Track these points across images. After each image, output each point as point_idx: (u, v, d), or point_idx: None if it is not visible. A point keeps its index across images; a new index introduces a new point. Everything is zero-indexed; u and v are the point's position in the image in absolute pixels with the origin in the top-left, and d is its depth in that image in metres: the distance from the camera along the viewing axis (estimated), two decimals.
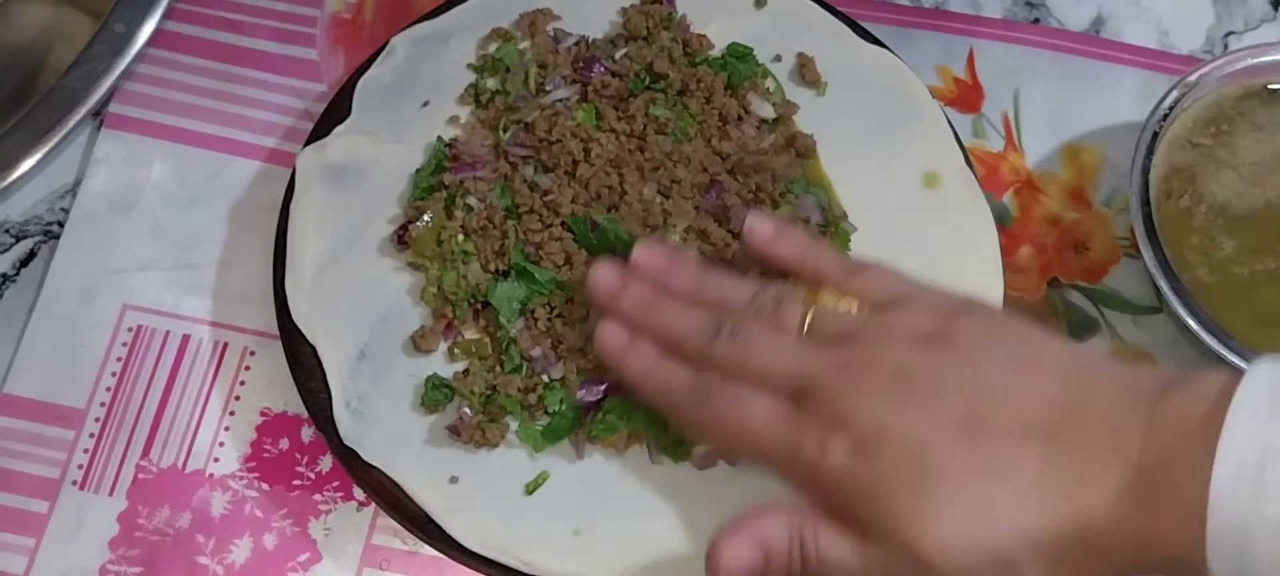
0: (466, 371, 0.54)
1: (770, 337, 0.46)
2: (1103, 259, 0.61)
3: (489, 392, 0.53)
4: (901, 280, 0.48)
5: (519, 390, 0.53)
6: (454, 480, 0.53)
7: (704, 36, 0.61)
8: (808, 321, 0.46)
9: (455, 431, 0.52)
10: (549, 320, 0.54)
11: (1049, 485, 0.39)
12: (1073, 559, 0.39)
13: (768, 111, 0.59)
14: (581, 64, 0.60)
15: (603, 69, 0.59)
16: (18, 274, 0.61)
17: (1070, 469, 0.39)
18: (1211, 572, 0.36)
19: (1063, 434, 0.40)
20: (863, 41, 0.62)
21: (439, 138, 0.59)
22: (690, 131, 0.58)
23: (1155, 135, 0.57)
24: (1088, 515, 0.38)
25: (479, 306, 0.55)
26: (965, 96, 0.65)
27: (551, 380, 0.53)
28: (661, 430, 0.52)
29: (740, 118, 0.59)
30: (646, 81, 0.59)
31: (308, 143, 0.59)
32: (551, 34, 0.61)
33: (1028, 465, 0.40)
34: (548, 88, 0.59)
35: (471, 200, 0.56)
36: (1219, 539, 0.35)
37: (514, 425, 0.53)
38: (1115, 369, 0.42)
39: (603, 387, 0.52)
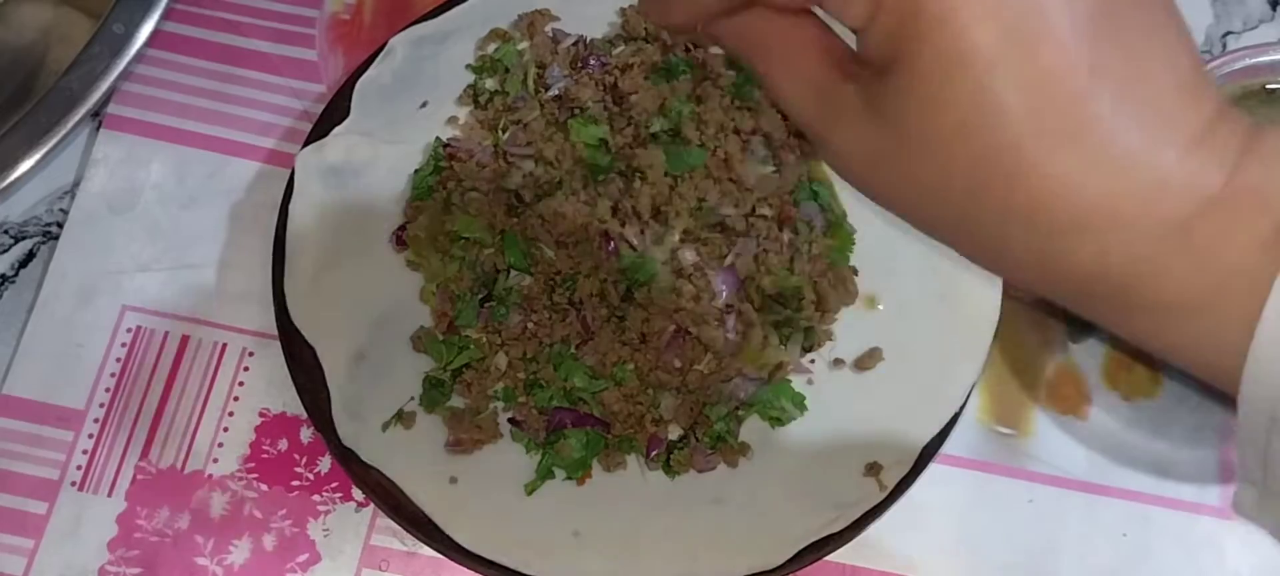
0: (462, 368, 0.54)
1: None
2: None
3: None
4: None
5: (511, 380, 0.54)
6: (453, 481, 0.53)
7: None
8: None
9: (457, 444, 0.53)
10: (549, 310, 0.54)
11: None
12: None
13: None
14: (579, 64, 0.60)
15: (597, 64, 0.59)
16: (16, 275, 0.61)
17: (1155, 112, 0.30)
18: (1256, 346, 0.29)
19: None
20: None
21: (437, 138, 0.59)
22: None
23: None
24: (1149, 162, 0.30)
25: (483, 299, 0.55)
26: None
27: (541, 381, 0.54)
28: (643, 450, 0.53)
29: (753, 131, 0.59)
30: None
31: (306, 143, 0.59)
32: (550, 34, 0.61)
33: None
34: (548, 83, 0.59)
35: (472, 194, 0.56)
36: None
37: (505, 419, 0.53)
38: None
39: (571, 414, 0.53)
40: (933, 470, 0.54)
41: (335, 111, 0.60)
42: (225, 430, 0.57)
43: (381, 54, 0.61)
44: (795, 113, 0.34)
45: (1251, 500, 0.33)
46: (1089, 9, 0.29)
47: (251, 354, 0.59)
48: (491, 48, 0.61)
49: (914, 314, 0.56)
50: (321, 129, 0.59)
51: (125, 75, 0.61)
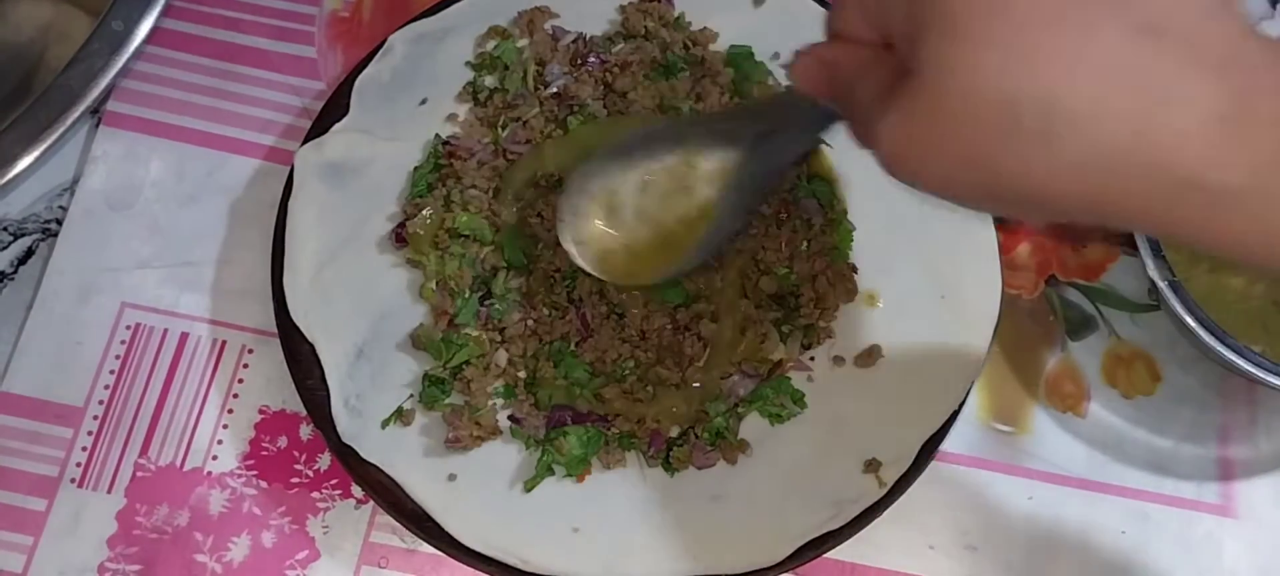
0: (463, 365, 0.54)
1: None
2: (1100, 256, 0.61)
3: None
4: None
5: (511, 376, 0.54)
6: (452, 477, 0.53)
7: (707, 27, 0.61)
8: None
9: (456, 441, 0.53)
10: (549, 309, 0.54)
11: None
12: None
13: None
14: (579, 61, 0.60)
15: (597, 61, 0.59)
16: (16, 272, 0.61)
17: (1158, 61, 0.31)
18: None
19: (1164, 30, 0.31)
20: None
21: (437, 135, 0.59)
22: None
23: None
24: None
25: (482, 296, 0.55)
26: None
27: (538, 377, 0.54)
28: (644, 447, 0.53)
29: None
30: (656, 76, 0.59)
31: (306, 140, 0.59)
32: (550, 31, 0.61)
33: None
34: (547, 80, 0.59)
35: (472, 191, 0.56)
36: None
37: (505, 416, 0.53)
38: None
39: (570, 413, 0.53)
40: (932, 467, 0.54)
41: (334, 108, 0.60)
42: (224, 427, 0.57)
43: (381, 51, 0.61)
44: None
45: None
46: None
47: (251, 351, 0.59)
48: (491, 45, 0.61)
49: (914, 311, 0.56)
50: (321, 126, 0.59)
51: (124, 72, 0.61)
